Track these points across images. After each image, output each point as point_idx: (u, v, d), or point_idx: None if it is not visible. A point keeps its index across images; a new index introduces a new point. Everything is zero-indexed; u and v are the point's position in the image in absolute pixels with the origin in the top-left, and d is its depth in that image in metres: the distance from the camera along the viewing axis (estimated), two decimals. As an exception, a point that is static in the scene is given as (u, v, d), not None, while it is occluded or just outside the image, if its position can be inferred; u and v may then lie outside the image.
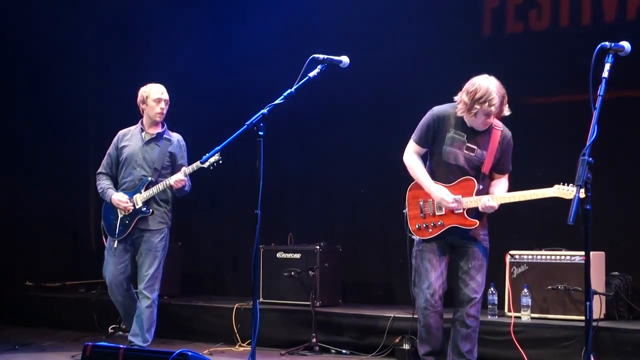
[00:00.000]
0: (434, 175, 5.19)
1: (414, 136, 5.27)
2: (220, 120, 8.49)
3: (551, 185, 4.82)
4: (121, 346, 4.28)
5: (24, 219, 9.84)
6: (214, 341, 7.54)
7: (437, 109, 5.22)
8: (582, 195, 3.40)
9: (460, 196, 5.05)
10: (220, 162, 6.04)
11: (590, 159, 3.46)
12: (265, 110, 4.39)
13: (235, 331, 7.52)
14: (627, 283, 6.58)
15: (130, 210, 6.39)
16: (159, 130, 6.56)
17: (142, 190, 6.39)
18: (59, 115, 9.66)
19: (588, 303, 3.57)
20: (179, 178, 6.25)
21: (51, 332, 8.20)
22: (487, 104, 4.89)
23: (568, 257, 6.44)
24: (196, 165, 6.19)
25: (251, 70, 8.81)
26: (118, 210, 6.45)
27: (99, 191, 6.62)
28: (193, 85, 8.98)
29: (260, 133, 4.37)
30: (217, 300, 8.26)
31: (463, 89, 5.02)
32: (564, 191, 4.76)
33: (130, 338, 6.42)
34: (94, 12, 9.94)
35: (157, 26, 9.48)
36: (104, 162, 6.67)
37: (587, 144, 3.48)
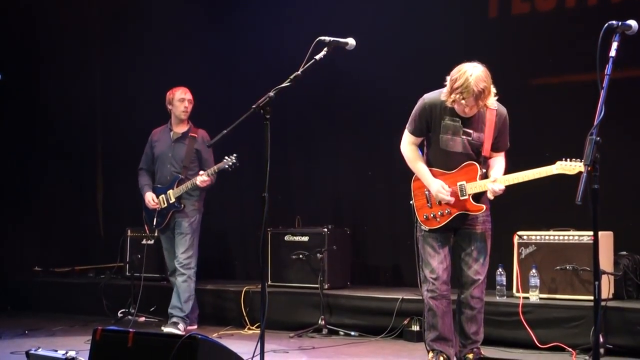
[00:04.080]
0: (433, 163, 5.13)
1: (408, 126, 5.17)
2: (230, 111, 8.48)
3: (554, 163, 4.79)
4: (131, 330, 4.30)
5: (32, 205, 9.87)
6: (223, 324, 7.57)
7: (428, 97, 5.07)
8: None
9: (463, 181, 5.03)
10: (237, 164, 6.90)
11: (598, 138, 3.45)
12: (271, 93, 4.36)
13: (244, 314, 7.56)
14: (635, 263, 6.57)
15: (162, 206, 7.24)
16: (185, 129, 7.36)
17: (175, 187, 7.22)
18: (67, 104, 9.65)
19: (596, 283, 3.57)
20: (203, 179, 7.06)
21: (60, 317, 8.24)
22: (460, 96, 4.75)
23: (576, 237, 6.43)
24: (217, 167, 7.01)
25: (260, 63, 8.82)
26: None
27: (139, 187, 7.46)
28: (203, 77, 8.96)
29: (267, 116, 4.35)
30: (226, 284, 8.29)
31: (450, 73, 4.86)
32: (567, 167, 4.71)
33: (169, 310, 7.20)
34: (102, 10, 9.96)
35: (165, 26, 9.47)
36: (142, 158, 7.54)
37: (595, 123, 3.47)
